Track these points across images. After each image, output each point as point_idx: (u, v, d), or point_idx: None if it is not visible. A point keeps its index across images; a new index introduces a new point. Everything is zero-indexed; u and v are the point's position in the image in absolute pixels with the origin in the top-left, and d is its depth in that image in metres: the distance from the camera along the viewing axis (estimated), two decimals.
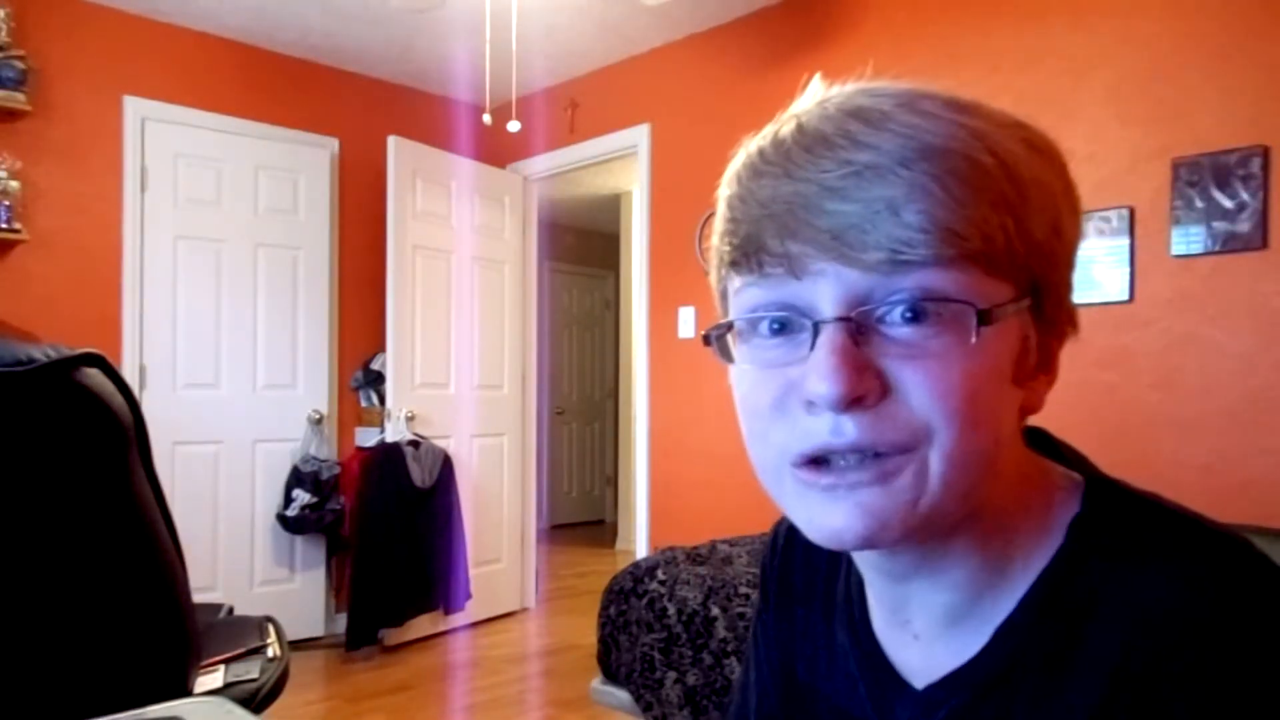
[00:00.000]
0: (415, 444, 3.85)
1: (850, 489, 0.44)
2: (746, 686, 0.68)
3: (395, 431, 3.84)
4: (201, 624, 1.31)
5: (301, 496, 3.78)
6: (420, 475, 3.81)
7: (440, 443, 3.98)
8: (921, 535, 0.46)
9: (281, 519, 3.77)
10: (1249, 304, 2.28)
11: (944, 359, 0.42)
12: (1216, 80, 2.34)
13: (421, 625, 3.89)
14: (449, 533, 3.91)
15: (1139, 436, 2.44)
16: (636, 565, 2.52)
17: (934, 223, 0.41)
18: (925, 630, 0.52)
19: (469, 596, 4.02)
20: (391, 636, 3.81)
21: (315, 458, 3.89)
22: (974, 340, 0.42)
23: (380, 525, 3.70)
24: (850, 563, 0.57)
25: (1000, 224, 0.42)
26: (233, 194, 3.76)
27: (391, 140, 3.92)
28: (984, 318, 0.42)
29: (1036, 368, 0.48)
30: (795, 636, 0.63)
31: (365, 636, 3.71)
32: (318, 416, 3.96)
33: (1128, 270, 2.46)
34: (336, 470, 3.87)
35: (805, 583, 0.63)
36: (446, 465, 3.95)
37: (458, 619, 4.06)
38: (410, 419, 3.89)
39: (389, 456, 3.75)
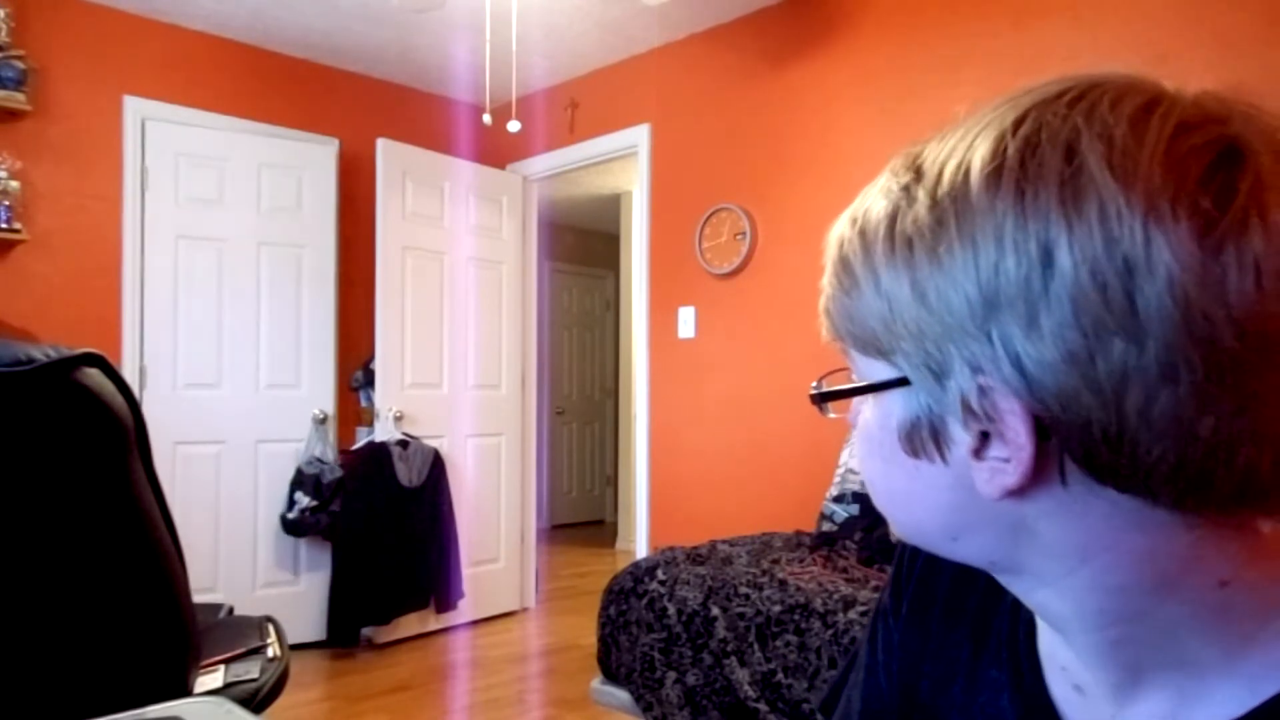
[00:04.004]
0: (404, 444, 3.85)
1: None
2: (853, 687, 0.65)
3: (384, 431, 3.85)
4: (201, 624, 1.31)
5: (302, 499, 3.77)
6: (407, 475, 3.82)
7: (432, 442, 3.98)
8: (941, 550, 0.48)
9: (283, 520, 3.77)
10: None
11: None
12: (1217, 80, 2.34)
13: (411, 623, 3.89)
14: (439, 532, 3.92)
15: None
16: (636, 565, 2.52)
17: None
18: (1089, 688, 0.48)
19: (462, 595, 4.02)
20: (381, 634, 3.81)
21: (319, 459, 3.88)
22: None
23: (364, 524, 3.71)
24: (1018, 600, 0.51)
25: None
26: (234, 193, 3.76)
27: (380, 142, 3.92)
28: None
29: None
30: (926, 653, 0.60)
31: (347, 635, 3.73)
32: (322, 416, 3.93)
33: None
34: (339, 474, 3.85)
35: (951, 601, 0.60)
36: (437, 465, 3.95)
37: (456, 618, 4.06)
38: (399, 419, 3.90)
39: (375, 456, 3.76)
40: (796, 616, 2.08)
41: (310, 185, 3.94)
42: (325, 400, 3.97)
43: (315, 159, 3.96)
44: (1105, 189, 0.35)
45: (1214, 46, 2.35)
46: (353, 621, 3.75)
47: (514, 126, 3.08)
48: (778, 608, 2.12)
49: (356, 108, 4.20)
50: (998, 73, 2.76)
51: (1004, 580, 0.47)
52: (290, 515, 3.76)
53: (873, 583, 2.24)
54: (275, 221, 3.85)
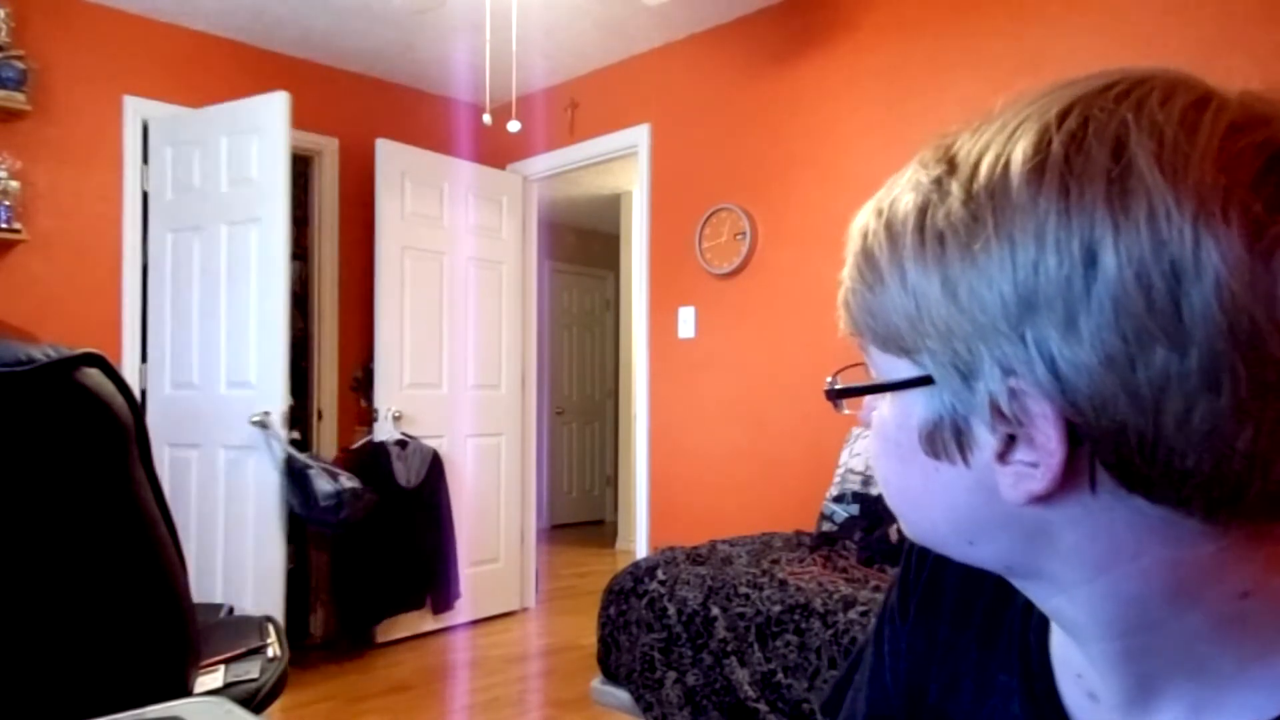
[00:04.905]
0: (403, 444, 3.85)
1: None
2: (858, 688, 0.65)
3: (382, 431, 3.85)
4: (201, 624, 1.31)
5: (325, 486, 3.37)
6: (405, 475, 3.81)
7: (432, 442, 3.98)
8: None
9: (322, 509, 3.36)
10: None
11: None
12: (1216, 80, 2.34)
13: (411, 623, 3.90)
14: (437, 532, 3.92)
15: None
16: (636, 565, 2.52)
17: None
18: (1103, 695, 0.47)
19: (459, 596, 4.03)
20: (381, 634, 3.82)
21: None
22: None
23: (362, 524, 3.70)
24: (1029, 602, 0.49)
25: None
26: (235, 191, 3.73)
27: (379, 143, 3.92)
28: None
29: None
30: (933, 656, 0.59)
31: (359, 638, 3.73)
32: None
33: None
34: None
35: (959, 604, 0.59)
36: (435, 465, 3.95)
37: (456, 618, 4.06)
38: (397, 418, 3.90)
39: (373, 456, 3.76)
40: (796, 616, 2.08)
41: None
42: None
43: (272, 112, 3.46)
44: (1155, 188, 0.34)
45: (1213, 44, 2.35)
46: (355, 623, 3.74)
47: (514, 126, 3.07)
48: (778, 608, 2.12)
49: (356, 108, 4.20)
50: (997, 72, 2.76)
51: (1019, 585, 0.47)
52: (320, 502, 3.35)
53: (873, 583, 2.24)
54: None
